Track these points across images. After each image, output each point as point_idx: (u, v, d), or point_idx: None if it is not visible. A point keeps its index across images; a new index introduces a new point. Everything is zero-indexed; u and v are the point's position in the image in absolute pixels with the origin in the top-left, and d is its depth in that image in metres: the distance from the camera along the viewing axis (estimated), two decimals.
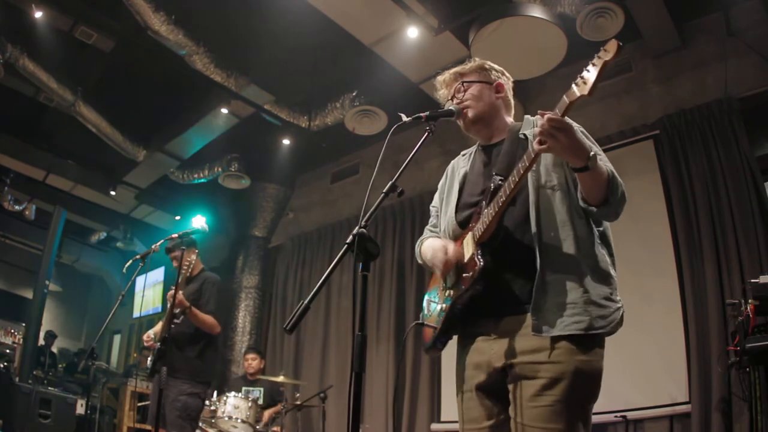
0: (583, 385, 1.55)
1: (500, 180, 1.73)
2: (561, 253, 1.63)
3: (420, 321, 1.86)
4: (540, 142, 1.49)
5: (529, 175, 1.70)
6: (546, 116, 1.46)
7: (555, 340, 1.57)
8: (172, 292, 3.67)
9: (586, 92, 1.43)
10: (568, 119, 1.49)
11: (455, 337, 1.82)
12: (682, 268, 4.53)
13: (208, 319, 3.85)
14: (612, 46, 1.40)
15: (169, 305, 3.77)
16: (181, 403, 3.65)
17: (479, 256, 1.64)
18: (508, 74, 1.99)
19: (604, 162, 1.63)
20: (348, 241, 1.52)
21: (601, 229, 1.73)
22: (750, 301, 3.33)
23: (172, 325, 3.61)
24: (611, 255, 1.72)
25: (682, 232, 4.62)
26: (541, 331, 1.58)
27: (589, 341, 1.58)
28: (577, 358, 1.55)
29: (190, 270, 3.77)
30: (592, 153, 1.51)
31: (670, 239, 4.66)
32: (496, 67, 1.97)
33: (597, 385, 1.59)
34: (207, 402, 4.90)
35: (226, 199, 8.13)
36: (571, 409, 1.52)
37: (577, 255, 1.63)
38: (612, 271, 1.67)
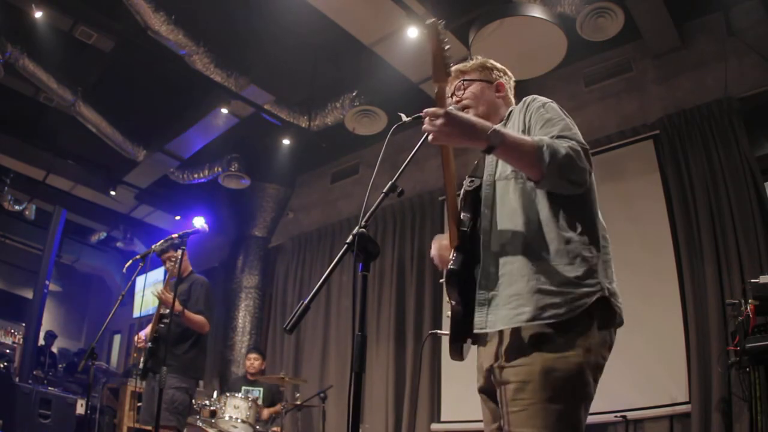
0: (556, 384, 1.45)
1: (470, 182, 1.75)
2: (509, 244, 1.59)
3: (434, 330, 1.88)
4: (433, 137, 1.51)
5: (486, 170, 1.71)
6: (423, 112, 1.50)
7: (524, 338, 1.51)
8: (157, 290, 3.71)
9: (444, 77, 1.51)
10: (449, 109, 1.50)
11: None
12: (682, 268, 4.53)
13: (198, 318, 3.94)
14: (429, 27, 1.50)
15: (158, 305, 3.80)
16: (168, 395, 3.69)
17: (451, 261, 1.64)
18: (510, 73, 1.98)
19: (547, 128, 1.61)
20: (348, 241, 1.51)
21: (575, 207, 1.60)
22: (750, 301, 3.33)
23: (162, 325, 3.63)
24: (592, 233, 1.59)
25: (682, 232, 4.62)
26: (485, 327, 1.56)
27: (561, 336, 1.48)
28: (546, 356, 1.47)
29: (177, 270, 3.79)
30: (490, 131, 1.48)
31: (670, 239, 4.66)
32: (497, 65, 1.96)
33: (575, 382, 1.47)
34: (207, 402, 4.91)
35: (226, 199, 8.13)
36: (547, 411, 1.44)
37: (529, 243, 1.57)
38: (586, 252, 1.55)
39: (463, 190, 1.77)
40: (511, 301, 1.54)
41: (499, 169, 1.69)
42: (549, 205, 1.59)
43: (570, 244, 1.55)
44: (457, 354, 1.71)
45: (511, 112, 1.85)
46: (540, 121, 1.66)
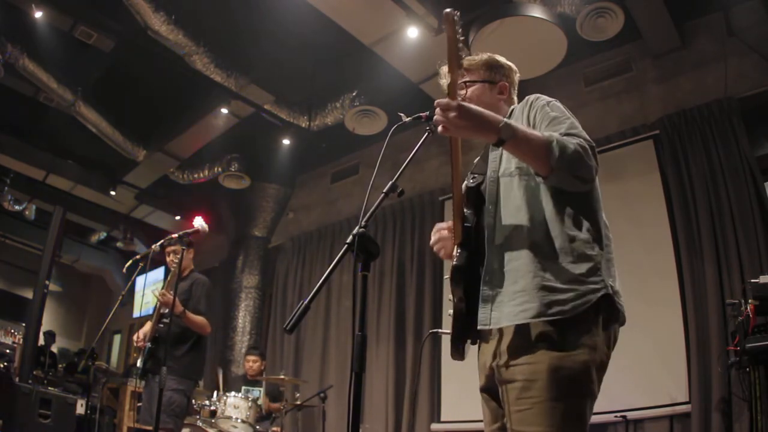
0: (563, 382, 1.45)
1: (472, 178, 1.74)
2: (514, 241, 1.59)
3: (435, 329, 1.88)
4: (444, 129, 1.50)
5: (490, 165, 1.71)
6: (435, 102, 1.49)
7: (530, 336, 1.50)
8: (159, 291, 3.71)
9: (458, 67, 1.49)
10: (461, 102, 1.49)
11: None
12: (682, 268, 4.53)
13: (200, 320, 3.92)
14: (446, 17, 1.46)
15: (158, 305, 3.79)
16: (166, 397, 3.66)
17: (455, 258, 1.63)
18: (515, 69, 1.97)
19: (554, 126, 1.60)
20: (348, 241, 1.51)
21: (580, 205, 1.61)
22: (750, 301, 3.33)
23: (161, 325, 3.61)
24: (596, 231, 1.59)
25: (682, 232, 4.62)
26: (489, 324, 1.55)
27: (567, 334, 1.48)
28: (552, 354, 1.46)
29: (178, 268, 3.79)
30: (501, 124, 1.48)
31: (671, 239, 4.66)
32: (503, 63, 1.94)
33: (582, 380, 1.47)
34: (207, 402, 4.90)
35: (226, 199, 8.13)
36: (554, 410, 1.44)
37: (534, 240, 1.56)
38: (589, 250, 1.55)
39: (464, 186, 1.76)
40: (515, 298, 1.53)
41: (503, 166, 1.69)
42: (554, 203, 1.59)
43: (575, 242, 1.55)
44: (458, 354, 1.70)
45: (512, 110, 1.84)
46: (546, 119, 1.66)
